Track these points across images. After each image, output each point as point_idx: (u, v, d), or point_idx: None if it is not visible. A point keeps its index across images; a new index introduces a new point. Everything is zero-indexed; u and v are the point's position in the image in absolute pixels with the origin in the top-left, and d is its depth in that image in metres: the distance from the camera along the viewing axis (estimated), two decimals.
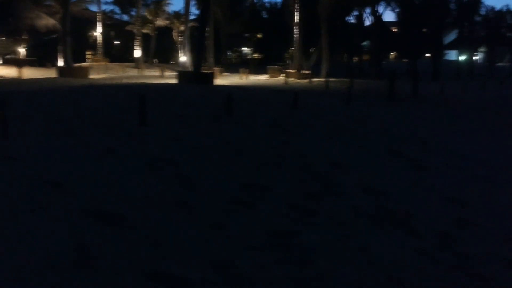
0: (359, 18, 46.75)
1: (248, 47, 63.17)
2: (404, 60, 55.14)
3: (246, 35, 57.04)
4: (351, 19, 49.15)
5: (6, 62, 36.92)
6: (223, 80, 30.41)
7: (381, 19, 45.15)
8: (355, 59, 50.62)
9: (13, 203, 4.63)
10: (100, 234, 3.95)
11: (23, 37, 36.33)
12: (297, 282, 3.28)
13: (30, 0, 31.94)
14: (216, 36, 41.46)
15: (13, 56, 37.39)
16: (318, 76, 33.82)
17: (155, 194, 5.10)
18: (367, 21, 46.94)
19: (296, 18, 35.31)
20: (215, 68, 35.17)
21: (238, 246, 3.82)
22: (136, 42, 43.24)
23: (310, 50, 44.26)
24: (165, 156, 6.83)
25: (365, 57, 49.26)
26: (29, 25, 27.49)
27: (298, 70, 34.98)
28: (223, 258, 3.59)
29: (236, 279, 3.27)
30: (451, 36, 55.89)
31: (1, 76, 28.63)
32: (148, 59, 46.63)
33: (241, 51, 65.22)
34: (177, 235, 4.00)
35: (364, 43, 49.92)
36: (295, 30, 35.72)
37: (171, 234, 4.02)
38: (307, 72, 34.30)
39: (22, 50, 37.08)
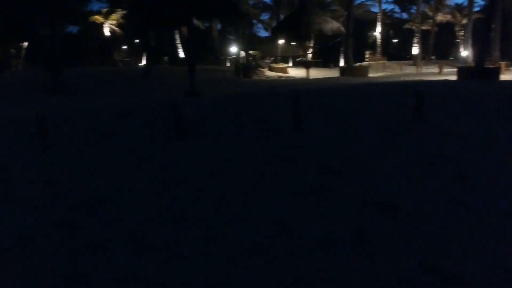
0: None
1: None
2: None
3: None
4: None
5: (296, 64, 41.76)
6: (510, 75, 27.27)
7: None
8: None
9: (299, 186, 5.42)
10: (376, 221, 4.28)
11: (310, 41, 40.33)
12: None
13: (318, 6, 35.22)
14: (503, 27, 37.24)
15: (302, 59, 41.96)
16: None
17: (431, 190, 5.16)
18: None
19: None
20: (501, 62, 31.79)
21: None
22: (414, 39, 42.66)
23: None
24: (442, 153, 6.81)
25: None
26: (317, 29, 30.40)
27: None
28: (504, 263, 3.46)
29: None
30: None
31: (292, 77, 32.65)
32: (425, 56, 45.44)
33: None
34: (451, 232, 4.01)
35: None
36: None
37: (445, 231, 4.05)
38: None
39: (309, 53, 41.22)
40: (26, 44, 38.46)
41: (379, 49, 46.10)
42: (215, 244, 3.89)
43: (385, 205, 4.69)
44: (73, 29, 48.89)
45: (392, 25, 54.74)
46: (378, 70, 35.12)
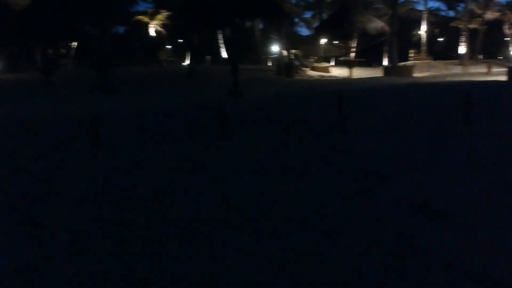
0: None
1: None
2: None
3: None
4: None
5: (339, 64, 41.36)
6: None
7: None
8: None
9: (337, 188, 5.43)
10: (422, 226, 4.18)
11: (353, 40, 39.88)
12: None
13: (362, 5, 34.80)
14: None
15: (345, 58, 41.53)
16: None
17: (479, 194, 5.04)
18: None
19: None
20: None
21: None
22: (461, 38, 41.40)
23: None
24: (490, 156, 6.66)
25: None
26: (360, 28, 30.11)
27: None
28: None
29: None
30: None
31: (334, 76, 32.40)
32: (473, 55, 44.04)
33: None
34: (501, 239, 3.90)
35: None
36: None
37: (495, 237, 3.94)
38: None
39: (352, 52, 40.79)
40: (75, 44, 39.89)
41: (424, 48, 44.97)
42: (251, 255, 3.97)
43: (433, 210, 4.61)
44: (120, 29, 50.33)
45: (437, 23, 53.17)
46: (423, 70, 34.28)
